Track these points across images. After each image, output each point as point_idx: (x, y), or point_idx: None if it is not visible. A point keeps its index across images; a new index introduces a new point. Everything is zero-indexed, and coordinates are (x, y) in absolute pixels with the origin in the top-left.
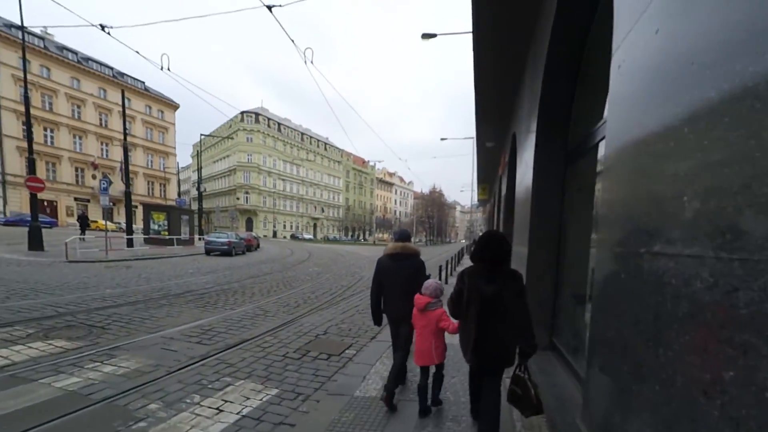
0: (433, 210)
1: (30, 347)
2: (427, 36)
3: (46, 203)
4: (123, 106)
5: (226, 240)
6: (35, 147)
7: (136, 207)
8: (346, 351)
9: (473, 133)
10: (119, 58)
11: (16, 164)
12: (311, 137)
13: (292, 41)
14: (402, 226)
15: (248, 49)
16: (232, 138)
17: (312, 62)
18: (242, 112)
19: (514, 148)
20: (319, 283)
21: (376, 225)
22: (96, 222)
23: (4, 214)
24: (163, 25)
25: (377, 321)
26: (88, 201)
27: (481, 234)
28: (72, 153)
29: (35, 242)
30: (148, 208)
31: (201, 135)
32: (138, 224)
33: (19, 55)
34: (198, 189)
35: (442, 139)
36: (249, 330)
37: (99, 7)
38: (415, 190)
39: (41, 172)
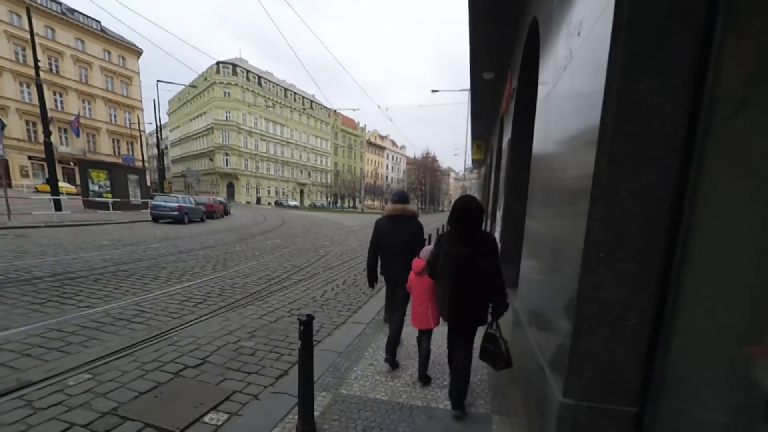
0: (426, 176)
1: None
2: None
3: None
4: (31, 32)
5: (176, 204)
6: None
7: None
8: (207, 417)
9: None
10: None
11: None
12: (296, 93)
13: None
14: (393, 191)
15: None
16: (208, 91)
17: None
18: (218, 62)
19: (533, 41)
20: (265, 263)
21: (366, 191)
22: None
23: None
24: None
25: (372, 283)
26: (43, 160)
27: (456, 198)
28: (21, 104)
29: None
30: (85, 165)
31: (157, 81)
32: None
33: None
34: (158, 145)
35: (433, 91)
36: (70, 355)
37: None
38: (407, 155)
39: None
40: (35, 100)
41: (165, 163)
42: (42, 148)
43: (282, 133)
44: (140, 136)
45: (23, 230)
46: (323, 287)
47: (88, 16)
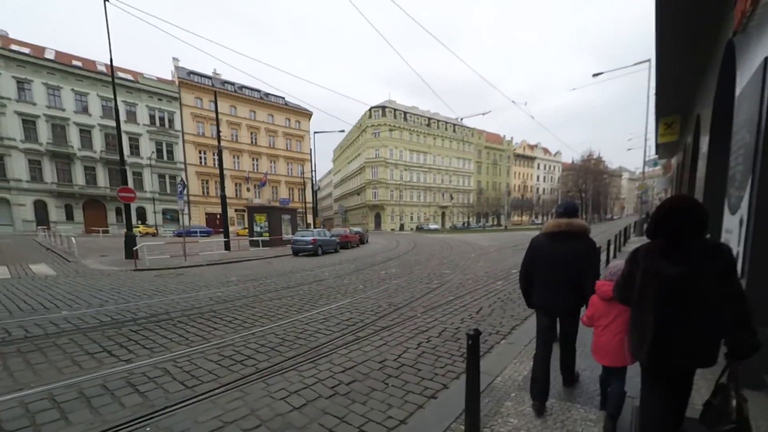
0: (587, 181)
1: None
2: None
3: (216, 215)
4: (216, 113)
5: (311, 238)
6: (207, 170)
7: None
8: None
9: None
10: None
11: (195, 186)
12: (439, 121)
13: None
14: (543, 204)
15: (369, 55)
16: (361, 134)
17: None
18: (370, 108)
19: None
20: (361, 300)
21: (514, 206)
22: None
23: (182, 227)
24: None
25: (531, 305)
26: (245, 211)
27: (661, 201)
28: (232, 171)
29: (129, 251)
30: (251, 211)
31: (314, 132)
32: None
33: (195, 96)
34: (312, 186)
35: (595, 74)
36: None
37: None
38: (564, 161)
39: (212, 190)
40: (240, 166)
41: (330, 203)
42: (244, 202)
43: (425, 161)
44: (310, 182)
45: (189, 269)
46: (408, 341)
47: (276, 96)
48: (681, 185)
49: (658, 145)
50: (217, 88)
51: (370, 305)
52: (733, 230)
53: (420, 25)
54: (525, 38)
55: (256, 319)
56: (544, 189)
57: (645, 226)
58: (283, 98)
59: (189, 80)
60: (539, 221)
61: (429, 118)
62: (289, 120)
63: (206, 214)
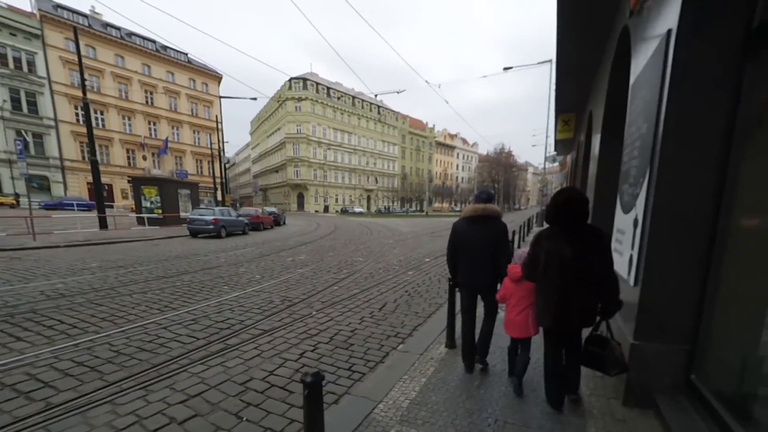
0: (499, 172)
1: None
2: None
3: (103, 186)
4: (78, 52)
5: (212, 218)
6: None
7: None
8: None
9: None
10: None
11: (72, 150)
12: (363, 101)
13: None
14: (462, 192)
15: (290, 18)
16: (280, 107)
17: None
18: (290, 79)
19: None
20: (252, 293)
21: (435, 193)
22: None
23: (51, 198)
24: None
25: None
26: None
27: (555, 192)
28: (122, 134)
29: None
30: (138, 182)
31: (220, 97)
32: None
33: (65, 37)
34: (220, 158)
35: (505, 68)
36: None
37: None
38: (480, 152)
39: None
40: (135, 130)
41: (249, 179)
42: (141, 172)
43: (350, 141)
44: (219, 155)
45: (35, 252)
46: (288, 351)
47: (177, 50)
48: (575, 181)
49: (556, 142)
50: (97, 31)
51: (260, 301)
52: (626, 231)
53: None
54: (452, 30)
55: (94, 322)
56: (462, 178)
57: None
58: (186, 54)
59: (56, 15)
60: (458, 208)
61: (353, 97)
62: (194, 81)
63: (88, 183)
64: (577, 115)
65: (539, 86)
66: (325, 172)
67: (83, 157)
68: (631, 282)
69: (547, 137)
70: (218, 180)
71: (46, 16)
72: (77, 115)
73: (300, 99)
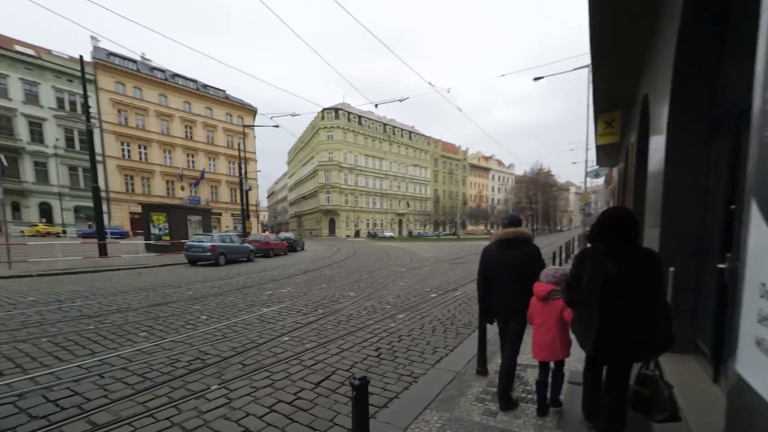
0: (537, 193)
1: None
2: None
3: (138, 216)
4: (84, 87)
5: (209, 244)
6: (132, 164)
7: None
8: None
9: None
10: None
11: (117, 182)
12: (395, 127)
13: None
14: (498, 214)
15: (325, 53)
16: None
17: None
18: (323, 110)
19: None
20: (182, 341)
21: (469, 216)
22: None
23: (91, 227)
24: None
25: (486, 317)
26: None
27: (603, 210)
28: (163, 167)
29: None
30: (147, 209)
31: (243, 126)
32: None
33: (116, 81)
34: (241, 186)
35: (535, 78)
36: None
37: (185, 26)
38: (517, 173)
39: (138, 187)
40: (175, 162)
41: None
42: (176, 201)
43: (381, 166)
44: (240, 181)
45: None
46: None
47: (216, 88)
48: (624, 197)
49: (597, 150)
50: (144, 74)
51: (162, 360)
52: None
53: (369, 31)
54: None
55: None
56: (498, 200)
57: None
58: (224, 91)
59: (107, 62)
60: (494, 231)
61: (384, 124)
62: (231, 116)
63: (130, 213)
64: (623, 113)
65: (577, 102)
66: (356, 198)
67: (127, 189)
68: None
69: (587, 149)
70: (250, 207)
71: (101, 63)
72: (123, 150)
73: (332, 128)
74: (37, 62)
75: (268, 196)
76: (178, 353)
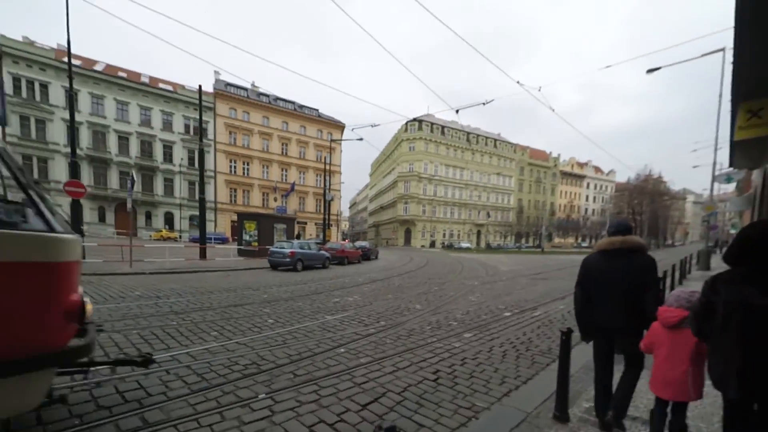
0: (643, 202)
1: None
2: None
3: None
4: (200, 114)
5: (289, 251)
6: (237, 179)
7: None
8: None
9: None
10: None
11: (223, 194)
12: (479, 136)
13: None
14: (591, 226)
15: (410, 66)
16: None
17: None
18: (407, 122)
19: None
20: (244, 344)
21: (557, 227)
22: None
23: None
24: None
25: (586, 335)
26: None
27: (744, 227)
28: (260, 180)
29: None
30: (241, 218)
31: (331, 140)
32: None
33: (230, 107)
34: (324, 197)
35: (649, 71)
36: None
37: (290, 47)
38: (618, 180)
39: (239, 198)
40: (271, 176)
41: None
42: (269, 210)
43: (462, 176)
44: (324, 193)
45: (115, 276)
46: None
47: (310, 108)
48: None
49: (733, 147)
50: (252, 99)
51: (222, 361)
52: None
53: (462, 38)
54: (581, 51)
55: None
56: (593, 210)
57: (713, 255)
58: (317, 110)
59: (224, 91)
60: (586, 244)
61: (468, 134)
62: (321, 131)
63: (232, 221)
64: None
65: (702, 94)
66: (434, 208)
67: (231, 200)
68: None
69: (716, 149)
70: (332, 217)
71: (219, 93)
72: (230, 167)
73: (414, 139)
74: (173, 96)
75: (350, 206)
76: (238, 356)
